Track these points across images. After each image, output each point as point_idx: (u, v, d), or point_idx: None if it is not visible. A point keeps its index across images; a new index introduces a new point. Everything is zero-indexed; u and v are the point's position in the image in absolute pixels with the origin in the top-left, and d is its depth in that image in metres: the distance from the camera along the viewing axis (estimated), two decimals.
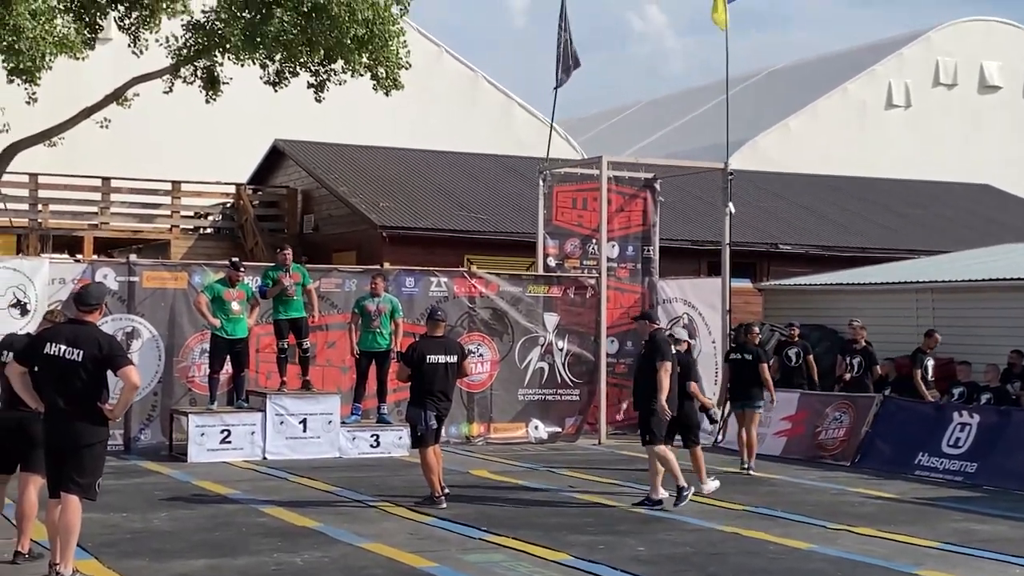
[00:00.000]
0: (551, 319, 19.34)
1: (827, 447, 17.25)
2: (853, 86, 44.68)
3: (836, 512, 12.48)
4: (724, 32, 20.44)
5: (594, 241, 20.13)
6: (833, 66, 48.11)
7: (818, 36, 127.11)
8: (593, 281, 19.73)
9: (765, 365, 15.69)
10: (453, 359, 12.64)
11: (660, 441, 12.61)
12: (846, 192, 33.49)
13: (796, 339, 19.13)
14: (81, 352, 8.43)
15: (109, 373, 8.56)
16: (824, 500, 13.45)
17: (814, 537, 10.95)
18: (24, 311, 16.03)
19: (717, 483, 13.71)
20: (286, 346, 16.55)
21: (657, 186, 20.93)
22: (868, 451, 16.74)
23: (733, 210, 20.14)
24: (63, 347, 8.47)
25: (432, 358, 12.48)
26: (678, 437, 13.43)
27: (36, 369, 8.63)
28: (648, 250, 20.74)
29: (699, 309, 20.31)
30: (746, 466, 15.61)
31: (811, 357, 18.95)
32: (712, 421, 15.70)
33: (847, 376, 18.62)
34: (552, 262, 20.29)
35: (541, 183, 20.46)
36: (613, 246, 20.22)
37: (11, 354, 9.04)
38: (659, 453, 12.57)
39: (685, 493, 12.53)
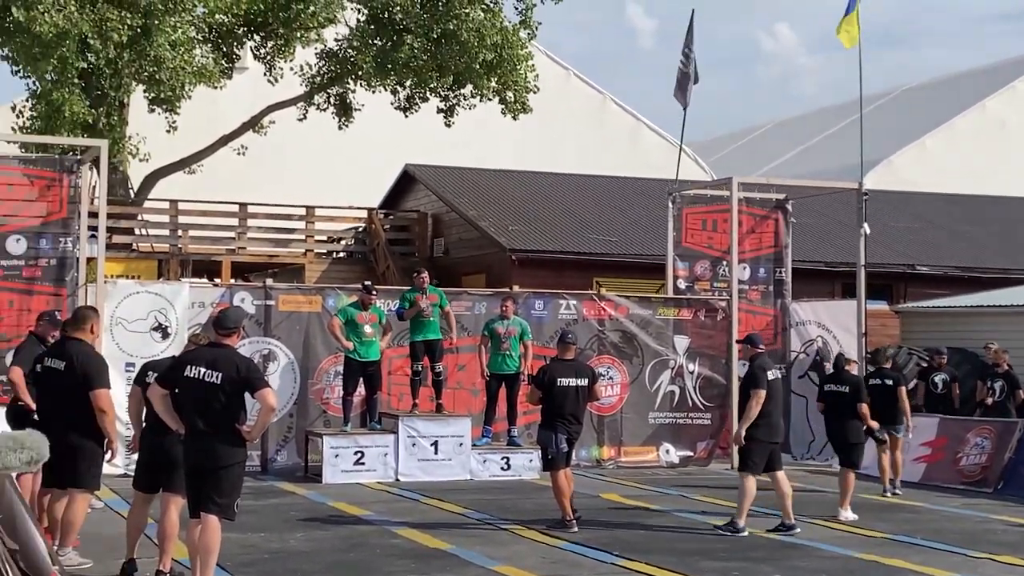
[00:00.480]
0: (682, 342, 19.19)
1: (968, 473, 16.80)
2: (992, 102, 43.66)
3: (978, 540, 12.15)
4: (856, 49, 20.15)
5: (725, 263, 19.93)
6: (970, 82, 47.08)
7: (953, 53, 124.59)
8: (724, 303, 19.53)
9: (903, 389, 15.26)
10: (584, 382, 12.61)
11: (751, 471, 12.40)
12: (986, 212, 32.68)
13: (943, 366, 18.65)
14: (220, 375, 8.61)
15: (247, 395, 8.73)
16: (966, 528, 13.09)
17: (955, 565, 10.67)
18: (165, 334, 16.43)
19: (855, 516, 13.48)
20: (420, 368, 16.68)
21: (789, 207, 20.65)
22: (1011, 478, 16.25)
23: (868, 230, 19.77)
24: (203, 370, 8.65)
25: (563, 381, 12.47)
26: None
27: (177, 391, 8.83)
28: (780, 272, 20.45)
29: (833, 332, 19.94)
30: (893, 490, 15.31)
31: (956, 385, 18.50)
32: (879, 442, 15.29)
33: (988, 400, 18.15)
34: (682, 284, 20.14)
35: (671, 205, 20.34)
36: (744, 268, 20.00)
37: (154, 375, 9.27)
38: (745, 483, 12.35)
39: (733, 531, 12.26)
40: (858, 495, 15.35)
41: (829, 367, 19.60)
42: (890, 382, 15.48)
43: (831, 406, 14.20)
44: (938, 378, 18.59)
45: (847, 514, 13.46)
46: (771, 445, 12.51)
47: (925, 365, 21.60)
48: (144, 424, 9.64)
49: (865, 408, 13.88)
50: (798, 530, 12.31)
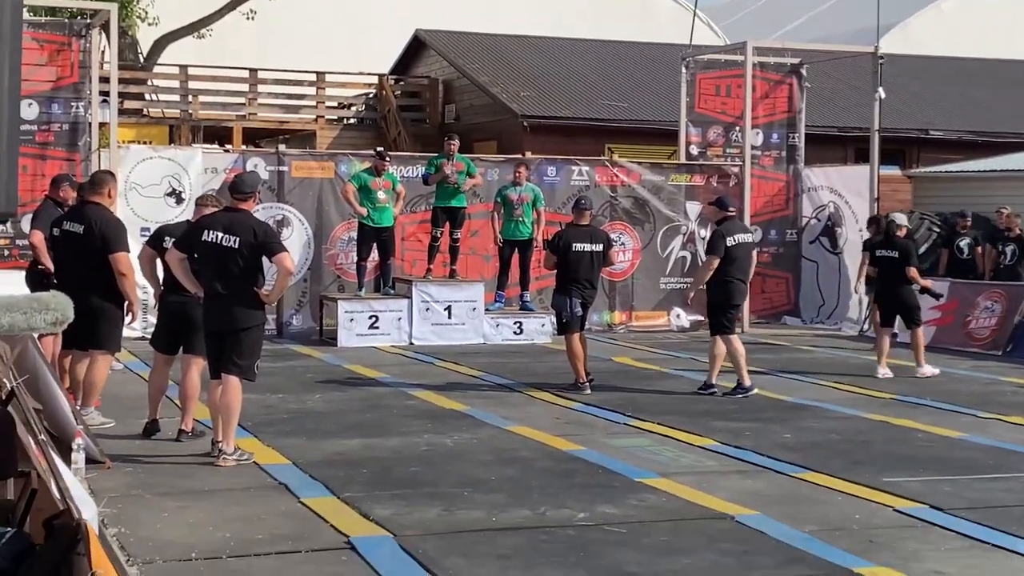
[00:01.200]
0: (693, 208, 19.18)
1: (977, 336, 16.93)
2: None
3: (987, 401, 12.31)
4: None
5: (738, 129, 19.82)
6: None
7: None
8: (736, 169, 19.47)
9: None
10: (599, 247, 12.67)
11: (730, 332, 12.43)
12: (1001, 76, 32.28)
13: (967, 229, 18.47)
14: (237, 239, 8.67)
15: (264, 259, 8.81)
16: (975, 389, 13.26)
17: (964, 426, 10.83)
18: (179, 199, 16.49)
19: (937, 370, 14.08)
20: (439, 234, 16.71)
21: (803, 72, 20.46)
22: (1020, 341, 16.37)
23: (883, 95, 19.62)
24: (220, 234, 8.71)
25: (578, 246, 12.53)
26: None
27: (195, 256, 8.91)
28: (793, 137, 20.35)
29: (845, 197, 19.93)
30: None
31: (982, 248, 18.33)
32: (936, 297, 15.28)
33: (1002, 264, 18.16)
34: (695, 150, 20.06)
35: (684, 70, 20.15)
36: (757, 133, 19.89)
37: (171, 240, 9.34)
38: (732, 345, 12.38)
39: (705, 392, 12.40)
40: (863, 357, 15.55)
41: (841, 231, 19.78)
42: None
43: (883, 271, 14.39)
44: (963, 243, 18.40)
45: (925, 369, 14.03)
46: (736, 307, 12.60)
47: (938, 231, 21.63)
48: (162, 287, 9.74)
49: (914, 271, 14.12)
50: (754, 391, 12.37)
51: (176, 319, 9.57)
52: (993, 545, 6.98)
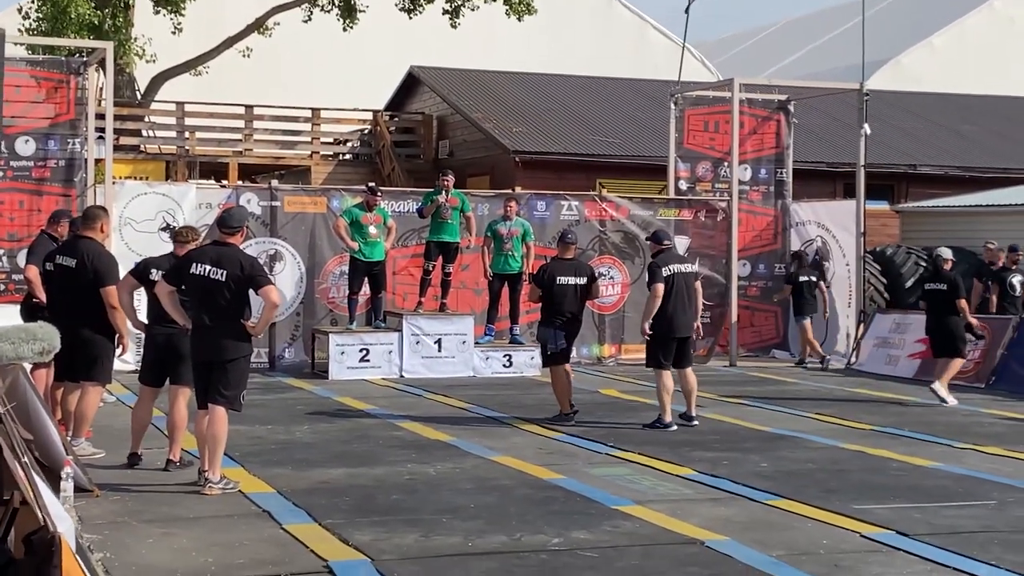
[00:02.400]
0: (682, 242, 19.41)
1: (962, 369, 17.07)
2: (1000, 2, 43.35)
3: (965, 432, 12.49)
4: None
5: (726, 164, 20.09)
6: None
7: None
8: (724, 204, 19.73)
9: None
10: (583, 280, 12.89)
11: (659, 367, 12.49)
12: (990, 112, 32.66)
13: (1016, 264, 18.25)
14: (225, 272, 8.90)
15: (251, 292, 9.03)
16: (954, 420, 13.44)
17: (939, 455, 11.02)
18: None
19: (955, 401, 14.49)
20: (431, 268, 16.93)
21: (791, 108, 20.75)
22: (1003, 373, 16.56)
23: (869, 131, 19.88)
24: (208, 267, 8.94)
25: (562, 279, 12.75)
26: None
27: (183, 288, 9.14)
28: (781, 172, 20.60)
29: (833, 232, 20.16)
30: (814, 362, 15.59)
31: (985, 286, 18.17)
32: (977, 338, 15.58)
33: (992, 297, 18.29)
34: (684, 185, 20.32)
35: (673, 106, 20.44)
36: (745, 169, 20.16)
37: (160, 272, 9.57)
38: (658, 378, 12.50)
39: (658, 425, 12.38)
40: (850, 388, 15.78)
41: (829, 266, 20.00)
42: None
43: (932, 304, 14.93)
44: (1015, 279, 17.95)
45: (942, 389, 14.53)
46: (672, 340, 12.53)
47: (924, 264, 21.84)
48: (149, 319, 9.95)
49: (964, 303, 14.68)
50: (696, 423, 12.48)
51: (163, 351, 9.78)
52: (955, 569, 7.17)
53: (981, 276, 18.75)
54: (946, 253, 15.08)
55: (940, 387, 14.58)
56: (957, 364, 14.83)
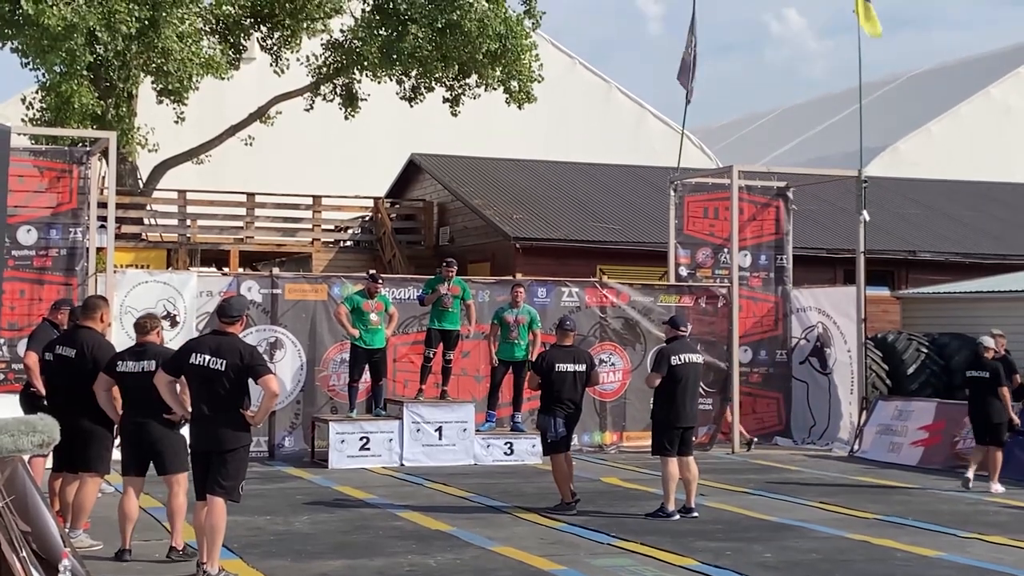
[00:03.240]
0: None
1: (965, 456, 16.97)
2: (997, 89, 43.80)
3: (969, 521, 12.39)
4: (862, 36, 20.38)
5: (726, 250, 20.14)
6: (976, 69, 47.19)
7: (961, 37, 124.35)
8: (725, 290, 19.76)
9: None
10: (582, 368, 12.87)
11: (664, 454, 12.43)
12: (988, 197, 32.84)
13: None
14: (224, 362, 8.89)
15: (251, 381, 9.01)
16: (958, 509, 13.34)
17: (943, 545, 10.92)
18: (174, 323, 16.71)
19: (1003, 489, 14.58)
20: (432, 355, 16.92)
21: (790, 194, 20.86)
22: (1008, 461, 16.36)
23: (867, 217, 19.97)
24: (207, 357, 8.93)
25: (561, 367, 12.73)
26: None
27: (182, 378, 9.12)
28: (781, 259, 20.66)
29: (833, 318, 20.17)
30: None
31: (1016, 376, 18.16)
32: (1012, 428, 15.51)
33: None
34: (684, 272, 20.36)
35: (672, 193, 20.56)
36: (745, 255, 20.22)
37: (126, 363, 9.65)
38: (663, 467, 12.46)
39: (661, 514, 12.29)
40: (852, 476, 15.68)
41: (830, 352, 19.98)
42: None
43: (974, 391, 15.10)
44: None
45: (996, 487, 14.61)
46: (677, 429, 12.49)
47: (926, 351, 21.85)
48: (123, 410, 9.86)
49: (1006, 391, 14.79)
50: (695, 514, 12.34)
51: (137, 441, 9.70)
52: None
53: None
54: (988, 342, 15.18)
55: (996, 486, 14.69)
56: (998, 456, 14.92)
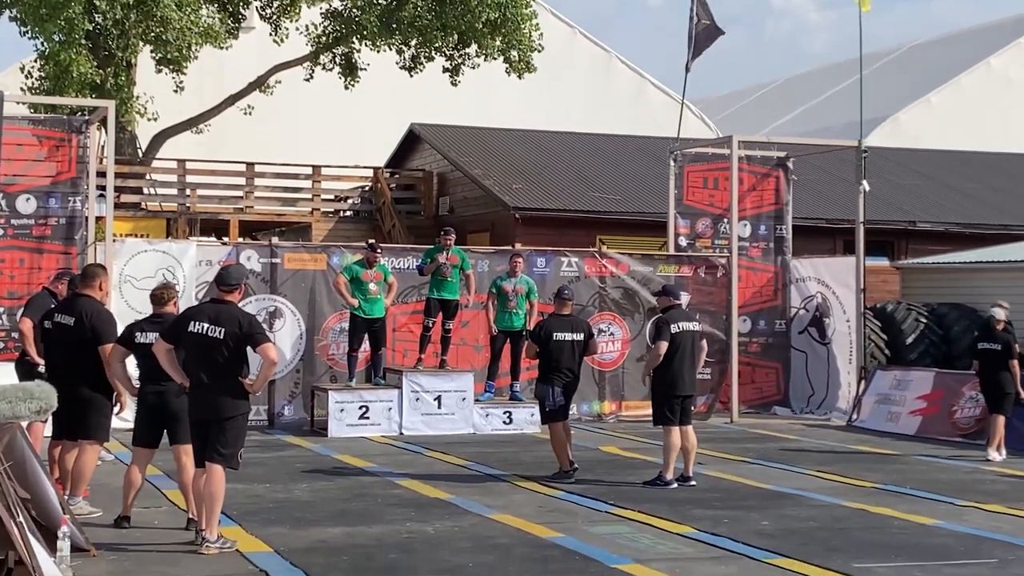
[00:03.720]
0: (682, 298, 19.36)
1: (962, 426, 17.06)
2: (997, 59, 43.66)
3: (966, 489, 12.43)
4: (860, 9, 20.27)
5: (725, 220, 20.12)
6: (977, 39, 47.03)
7: (962, 7, 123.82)
8: (724, 260, 19.75)
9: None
10: (580, 337, 12.88)
11: (666, 423, 12.45)
12: (989, 168, 32.78)
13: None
14: (223, 330, 8.89)
15: (249, 350, 9.02)
16: (955, 478, 13.38)
17: (940, 513, 10.96)
18: None
19: (1003, 457, 14.77)
20: (431, 324, 16.93)
21: (790, 165, 20.83)
22: (1006, 432, 16.44)
23: (867, 187, 19.94)
24: (206, 325, 8.94)
25: (559, 336, 12.74)
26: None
27: (181, 346, 9.11)
28: (781, 229, 20.65)
29: (833, 288, 20.16)
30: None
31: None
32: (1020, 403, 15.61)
33: None
34: (683, 242, 20.35)
35: (672, 163, 20.52)
36: (745, 225, 20.20)
37: (144, 334, 9.60)
38: (665, 436, 12.48)
39: (659, 483, 12.32)
40: (853, 447, 15.73)
41: (829, 322, 19.99)
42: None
43: (985, 362, 15.21)
44: None
45: (995, 455, 14.79)
46: (677, 398, 12.49)
47: (925, 321, 21.87)
48: (139, 380, 9.87)
49: (1016, 364, 14.93)
50: (693, 483, 12.37)
51: (155, 411, 9.70)
52: None
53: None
54: (999, 314, 15.24)
55: (993, 453, 14.85)
56: (1000, 423, 15.06)
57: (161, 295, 9.99)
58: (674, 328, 12.41)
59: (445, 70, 28.03)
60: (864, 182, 19.80)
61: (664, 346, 12.33)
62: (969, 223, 27.56)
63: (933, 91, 42.90)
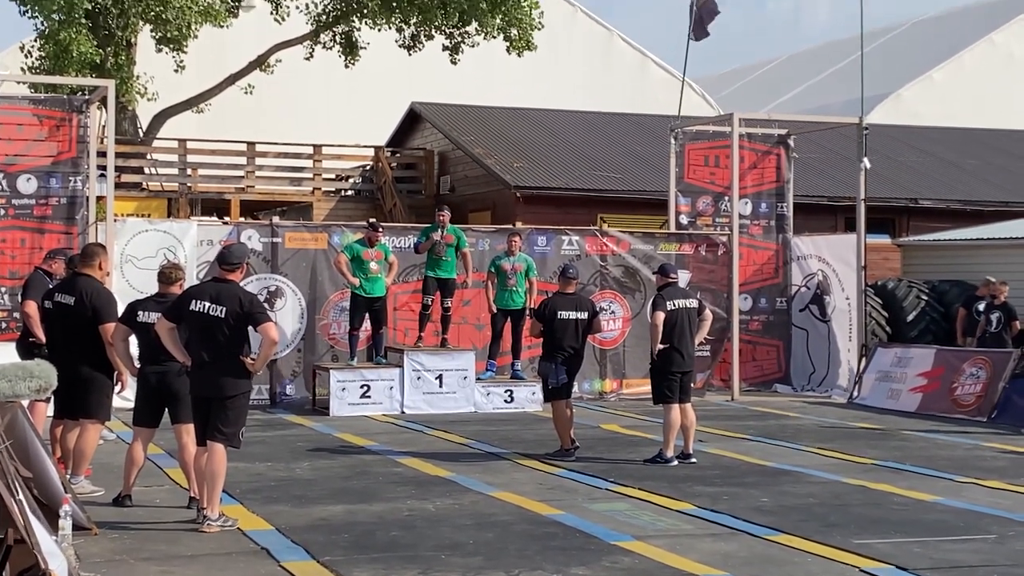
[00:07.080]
0: (683, 276, 19.36)
1: (963, 403, 17.09)
2: (999, 36, 43.54)
3: (966, 466, 12.46)
4: None
5: (726, 198, 20.11)
6: (979, 15, 46.89)
7: None
8: (725, 238, 19.75)
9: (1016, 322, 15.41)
10: (584, 315, 12.89)
11: (666, 401, 12.47)
12: (990, 145, 32.72)
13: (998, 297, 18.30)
14: (224, 309, 8.91)
15: (250, 329, 9.03)
16: (955, 455, 13.41)
17: (940, 490, 10.98)
18: None
19: None
20: (430, 303, 16.95)
21: (791, 142, 20.80)
22: (1005, 407, 16.51)
23: (868, 165, 19.92)
24: (207, 304, 8.95)
25: (563, 314, 12.76)
26: None
27: (182, 325, 9.12)
28: (782, 207, 20.63)
29: (833, 266, 20.16)
30: None
31: (1016, 322, 18.24)
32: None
33: (988, 331, 18.34)
34: (684, 220, 20.34)
35: (673, 141, 20.49)
36: (746, 203, 20.19)
37: (146, 314, 9.59)
38: (665, 414, 12.49)
39: (659, 460, 12.34)
40: (852, 424, 15.76)
41: (830, 299, 20.00)
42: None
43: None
44: (993, 315, 18.24)
45: None
46: (675, 375, 12.51)
47: (926, 298, 21.89)
48: (139, 360, 9.89)
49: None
50: (694, 460, 12.40)
51: (156, 390, 9.70)
52: None
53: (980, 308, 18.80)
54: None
55: None
56: None
57: (170, 274, 10.00)
58: (670, 305, 12.42)
59: (445, 48, 27.98)
60: (865, 159, 19.78)
61: (661, 316, 12.32)
62: (970, 200, 27.55)
63: (935, 68, 42.80)
